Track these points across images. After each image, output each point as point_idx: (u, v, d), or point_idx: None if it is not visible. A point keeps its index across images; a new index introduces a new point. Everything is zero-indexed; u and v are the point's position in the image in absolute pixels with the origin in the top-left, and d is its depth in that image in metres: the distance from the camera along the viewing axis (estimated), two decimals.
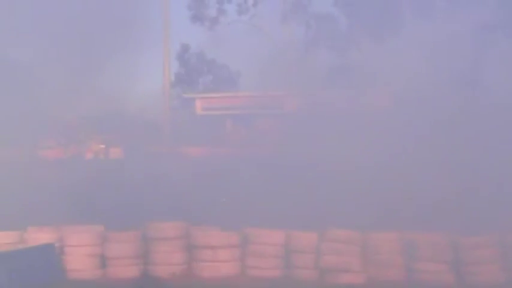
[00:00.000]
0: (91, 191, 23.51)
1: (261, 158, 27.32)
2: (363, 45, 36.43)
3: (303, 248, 18.78)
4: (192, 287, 18.53)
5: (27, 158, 29.01)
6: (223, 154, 29.87)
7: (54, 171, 27.65)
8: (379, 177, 21.44)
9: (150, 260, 19.07)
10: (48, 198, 22.51)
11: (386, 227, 18.66)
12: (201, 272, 18.94)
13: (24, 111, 27.51)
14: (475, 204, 19.75)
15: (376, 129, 24.86)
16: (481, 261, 18.10)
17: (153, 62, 38.24)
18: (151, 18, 34.27)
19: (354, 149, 23.55)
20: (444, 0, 33.26)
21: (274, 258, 18.92)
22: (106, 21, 29.66)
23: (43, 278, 17.32)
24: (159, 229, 19.16)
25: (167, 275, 18.80)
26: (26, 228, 19.64)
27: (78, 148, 33.22)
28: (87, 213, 20.43)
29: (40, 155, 30.73)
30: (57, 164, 29.67)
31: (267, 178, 23.53)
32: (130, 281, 18.72)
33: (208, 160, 29.02)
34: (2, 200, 21.60)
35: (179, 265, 19.03)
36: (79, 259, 18.96)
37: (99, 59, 29.80)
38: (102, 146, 33.57)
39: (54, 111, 29.78)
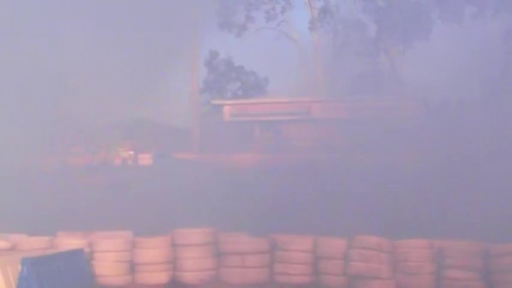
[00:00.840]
0: (119, 197, 23.65)
1: (289, 164, 27.31)
2: (391, 52, 36.34)
3: (331, 254, 18.67)
4: None
5: (57, 165, 29.29)
6: (252, 160, 29.87)
7: (83, 178, 27.89)
8: (408, 185, 21.33)
9: (179, 266, 19.09)
10: (78, 204, 22.70)
11: (416, 234, 18.49)
12: (229, 278, 18.92)
13: (54, 118, 27.80)
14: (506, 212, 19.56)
15: (405, 136, 24.76)
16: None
17: (182, 68, 38.22)
18: (180, 25, 34.41)
19: (385, 155, 23.46)
20: (474, 5, 33.09)
21: (303, 265, 18.83)
22: (135, 29, 29.89)
23: (72, 283, 17.38)
24: (187, 235, 19.18)
25: (196, 281, 18.82)
26: (55, 233, 19.77)
27: (107, 154, 33.44)
28: (116, 219, 20.53)
29: (69, 161, 30.99)
30: (86, 170, 29.89)
31: (296, 184, 23.53)
32: (159, 287, 18.78)
33: (237, 166, 29.03)
34: (33, 205, 21.83)
35: (208, 271, 19.03)
36: (108, 265, 19.01)
37: (129, 66, 30.02)
38: (131, 153, 33.73)
39: (83, 118, 30.07)
